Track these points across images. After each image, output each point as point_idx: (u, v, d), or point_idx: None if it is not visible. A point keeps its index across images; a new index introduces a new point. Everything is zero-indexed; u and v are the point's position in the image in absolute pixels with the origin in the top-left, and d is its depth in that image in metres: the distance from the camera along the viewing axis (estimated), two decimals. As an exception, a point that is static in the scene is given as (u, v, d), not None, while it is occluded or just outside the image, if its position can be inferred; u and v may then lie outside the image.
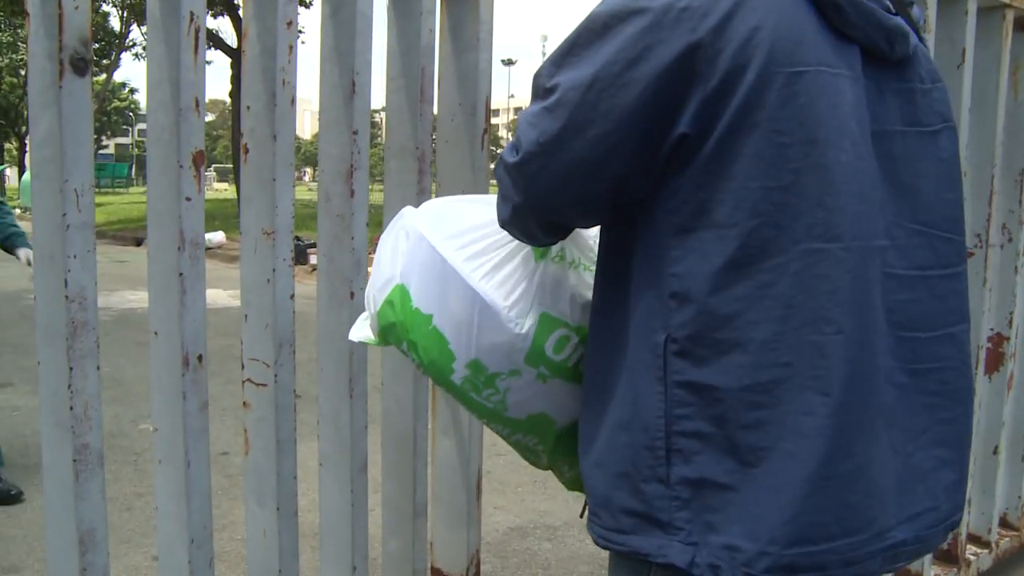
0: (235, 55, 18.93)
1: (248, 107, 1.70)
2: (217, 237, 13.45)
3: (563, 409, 1.28)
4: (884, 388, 0.95)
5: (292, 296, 1.74)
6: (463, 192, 1.90)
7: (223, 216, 15.95)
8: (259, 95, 1.69)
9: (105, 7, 22.91)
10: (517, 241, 1.26)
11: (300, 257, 10.92)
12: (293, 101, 1.72)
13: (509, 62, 64.51)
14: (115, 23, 27.55)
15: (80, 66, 1.29)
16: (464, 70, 1.90)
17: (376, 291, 1.32)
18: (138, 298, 8.28)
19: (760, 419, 0.91)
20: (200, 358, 1.65)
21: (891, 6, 1.01)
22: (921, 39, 1.10)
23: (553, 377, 1.25)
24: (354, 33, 1.74)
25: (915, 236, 1.00)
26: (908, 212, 1.00)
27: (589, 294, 1.27)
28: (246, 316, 1.73)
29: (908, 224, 1.00)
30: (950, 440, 1.05)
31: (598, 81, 0.93)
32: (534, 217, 1.09)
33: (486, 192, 1.93)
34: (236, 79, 18.80)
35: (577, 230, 1.36)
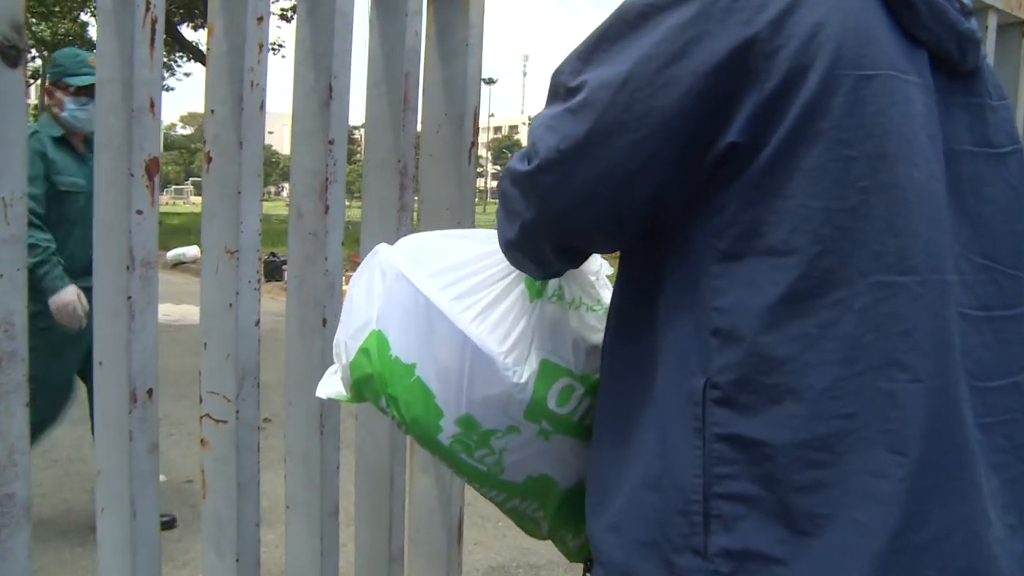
0: (210, 61, 18.73)
1: (212, 111, 1.53)
2: (192, 251, 13.23)
3: (567, 469, 1.12)
4: (967, 446, 0.81)
5: (257, 323, 1.56)
6: (447, 211, 1.73)
7: (195, 230, 15.80)
8: (224, 98, 1.52)
9: (84, 16, 22.65)
10: (509, 278, 1.11)
11: (275, 274, 10.81)
12: (262, 106, 1.55)
13: (490, 81, 64.75)
14: (93, 33, 27.26)
15: (11, 55, 1.12)
16: (451, 78, 1.74)
17: (348, 338, 1.16)
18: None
19: (818, 480, 0.77)
20: (150, 393, 1.47)
21: (966, 7, 0.90)
22: (981, 48, 0.98)
23: (556, 433, 1.09)
24: (332, 32, 1.57)
25: (982, 271, 0.88)
26: (975, 244, 0.88)
27: (593, 337, 1.12)
28: (205, 344, 1.55)
29: (975, 257, 0.88)
30: (1017, 504, 0.90)
31: (633, 79, 0.80)
32: (548, 238, 0.93)
33: (472, 211, 1.77)
34: (212, 87, 18.59)
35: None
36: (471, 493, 1.34)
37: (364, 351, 1.12)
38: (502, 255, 1.12)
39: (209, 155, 1.53)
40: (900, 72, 0.81)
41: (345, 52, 1.60)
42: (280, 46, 20.75)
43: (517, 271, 1.12)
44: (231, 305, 1.52)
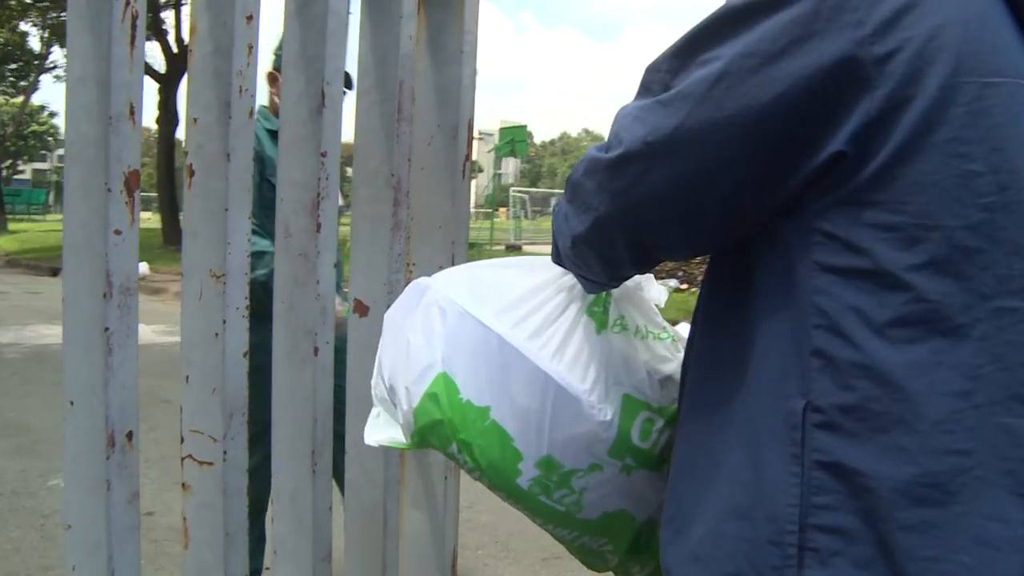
0: (162, 80, 17.87)
1: (195, 119, 1.37)
2: (140, 268, 12.69)
3: (645, 504, 1.09)
4: None
5: (246, 354, 1.41)
6: (440, 228, 1.62)
7: (145, 246, 15.06)
8: (209, 105, 1.37)
9: (24, 26, 21.18)
10: (572, 310, 1.06)
11: None
12: (252, 113, 1.40)
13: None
14: (35, 43, 25.99)
15: None
16: (444, 86, 1.63)
17: (411, 383, 1.07)
18: (54, 333, 7.36)
19: (927, 520, 0.71)
20: (130, 436, 1.30)
21: None
22: None
23: (639, 468, 1.05)
24: (325, 34, 1.44)
25: None
26: None
27: (666, 367, 1.08)
28: (187, 377, 1.39)
29: None
30: None
31: (728, 76, 0.75)
32: (623, 233, 0.87)
33: (467, 228, 1.67)
34: (164, 105, 17.73)
35: (637, 292, 1.14)
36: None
37: (431, 396, 1.04)
38: (557, 285, 1.08)
39: (192, 168, 1.37)
40: None
41: (339, 56, 1.47)
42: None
43: (578, 303, 1.07)
44: (217, 335, 1.37)
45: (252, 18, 1.37)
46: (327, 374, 1.49)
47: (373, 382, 1.17)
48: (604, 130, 1.60)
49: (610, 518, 1.08)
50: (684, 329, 1.25)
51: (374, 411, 1.18)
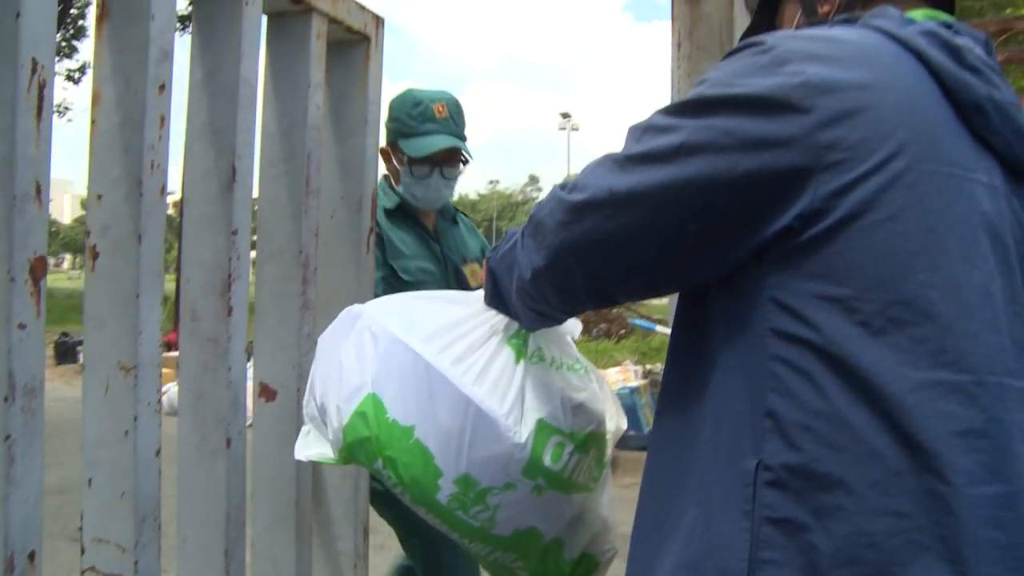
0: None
1: (99, 196, 1.25)
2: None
3: (553, 521, 1.20)
4: None
5: (158, 452, 1.29)
6: (345, 303, 1.58)
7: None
8: (117, 181, 1.25)
9: None
10: (495, 340, 1.18)
11: (67, 356, 10.26)
12: (164, 190, 1.29)
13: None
14: None
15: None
16: (347, 157, 1.60)
17: (341, 401, 1.16)
18: None
19: None
20: (32, 556, 1.15)
21: None
22: None
23: (549, 489, 1.16)
24: (236, 105, 1.36)
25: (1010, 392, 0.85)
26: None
27: (578, 396, 1.21)
28: (90, 480, 1.25)
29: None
30: None
31: (686, 149, 0.83)
32: (581, 268, 0.94)
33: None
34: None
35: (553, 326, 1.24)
36: None
37: (360, 414, 1.13)
38: (481, 318, 1.20)
39: (96, 250, 1.24)
40: (965, 171, 0.83)
41: (249, 128, 1.40)
42: (67, 108, 19.60)
43: (500, 334, 1.18)
44: (127, 433, 1.24)
45: (165, 87, 1.27)
46: (239, 467, 1.39)
47: (305, 400, 1.26)
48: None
49: (521, 535, 1.18)
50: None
51: (304, 428, 1.27)
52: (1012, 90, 0.92)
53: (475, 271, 2.15)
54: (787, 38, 0.86)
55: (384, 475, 1.14)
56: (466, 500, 1.13)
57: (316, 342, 1.54)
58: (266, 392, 1.49)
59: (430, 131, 2.03)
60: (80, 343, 9.72)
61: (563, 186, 0.95)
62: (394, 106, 2.12)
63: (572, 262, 0.93)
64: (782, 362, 0.80)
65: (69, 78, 19.56)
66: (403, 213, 2.12)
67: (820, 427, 0.78)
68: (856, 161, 0.79)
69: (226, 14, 1.36)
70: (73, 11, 18.41)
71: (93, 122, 1.25)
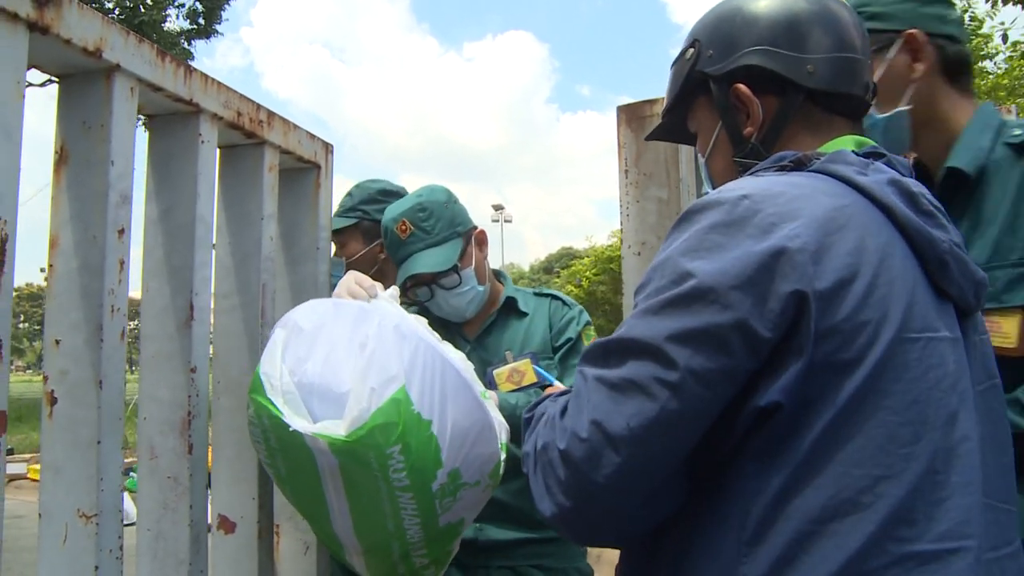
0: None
1: (57, 341, 1.24)
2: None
3: (475, 512, 1.43)
4: None
5: (120, 600, 1.26)
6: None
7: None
8: (77, 326, 1.24)
9: None
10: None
11: None
12: (124, 334, 1.29)
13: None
14: None
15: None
16: (300, 284, 1.62)
17: (378, 385, 1.26)
18: None
19: None
20: None
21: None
22: None
23: (492, 488, 1.41)
24: (192, 243, 1.38)
25: (987, 511, 0.89)
26: (985, 486, 0.89)
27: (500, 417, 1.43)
28: (48, 639, 1.21)
29: (986, 500, 0.89)
30: None
31: (687, 380, 0.84)
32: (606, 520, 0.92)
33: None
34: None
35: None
36: None
37: (395, 401, 1.25)
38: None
39: (53, 395, 1.23)
40: (934, 332, 0.86)
41: (206, 264, 1.41)
42: None
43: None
44: (87, 584, 1.21)
45: (124, 232, 1.28)
46: (202, 607, 1.36)
47: (276, 373, 1.30)
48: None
49: (451, 527, 1.37)
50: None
51: (278, 400, 1.29)
52: (956, 228, 0.98)
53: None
54: (760, 200, 0.87)
55: (393, 460, 1.24)
56: (447, 490, 1.30)
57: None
58: (225, 524, 1.47)
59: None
60: (10, 450, 9.20)
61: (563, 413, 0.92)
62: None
63: (596, 516, 0.91)
64: (763, 523, 0.83)
65: None
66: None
67: None
68: (844, 328, 0.82)
69: (182, 151, 1.39)
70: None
71: (51, 266, 1.25)
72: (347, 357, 1.29)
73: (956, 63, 1.43)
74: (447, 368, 1.32)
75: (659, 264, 0.90)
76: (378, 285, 1.51)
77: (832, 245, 0.84)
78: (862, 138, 1.05)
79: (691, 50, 1.15)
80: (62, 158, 1.26)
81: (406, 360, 1.29)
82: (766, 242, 0.83)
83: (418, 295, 2.00)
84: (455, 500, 1.32)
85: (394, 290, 1.51)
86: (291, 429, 1.26)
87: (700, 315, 0.83)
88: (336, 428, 1.24)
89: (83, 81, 1.24)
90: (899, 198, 0.91)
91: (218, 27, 19.62)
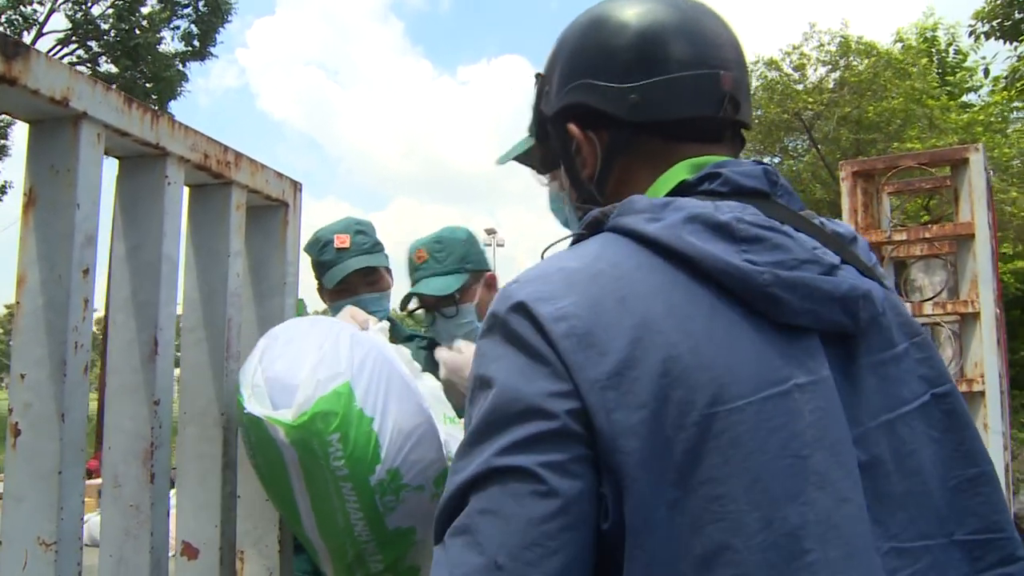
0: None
1: (22, 375, 1.30)
2: None
3: (429, 526, 1.38)
4: None
5: (78, 625, 1.31)
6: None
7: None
8: (40, 361, 1.30)
9: None
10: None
11: None
12: (87, 369, 1.35)
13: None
14: None
15: None
16: (267, 317, 1.68)
17: (323, 377, 1.39)
18: None
19: None
20: None
21: (835, 262, 0.82)
22: (881, 282, 0.87)
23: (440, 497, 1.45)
24: (158, 280, 1.44)
25: (922, 556, 0.78)
26: (910, 529, 0.78)
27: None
28: (8, 663, 1.26)
29: (911, 543, 0.77)
30: None
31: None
32: None
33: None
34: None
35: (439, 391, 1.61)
36: None
37: (337, 393, 1.38)
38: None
39: (17, 427, 1.29)
40: (775, 386, 0.74)
41: (171, 300, 1.47)
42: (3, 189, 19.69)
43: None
44: (47, 609, 1.27)
45: (88, 271, 1.34)
46: (162, 633, 1.42)
47: (250, 369, 1.47)
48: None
49: (399, 533, 1.44)
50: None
51: (244, 392, 1.45)
52: (804, 243, 0.81)
53: None
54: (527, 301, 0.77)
55: (332, 447, 1.36)
56: (386, 488, 1.39)
57: (238, 500, 1.59)
58: (188, 550, 1.52)
59: (339, 259, 2.21)
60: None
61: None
62: (306, 251, 2.28)
63: None
64: None
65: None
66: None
67: None
68: (639, 420, 0.71)
69: (149, 192, 1.45)
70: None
71: (17, 303, 1.32)
72: (306, 356, 1.44)
73: None
74: (394, 374, 1.45)
75: None
76: (371, 319, 1.70)
77: (607, 326, 0.74)
78: (701, 159, 0.91)
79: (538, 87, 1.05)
80: (31, 200, 1.32)
81: (356, 361, 1.42)
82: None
83: (422, 318, 2.22)
84: (398, 500, 1.41)
85: (384, 324, 1.67)
86: (246, 411, 1.43)
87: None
88: (285, 414, 1.39)
89: (51, 127, 1.31)
90: (701, 236, 0.78)
91: (213, 49, 19.85)
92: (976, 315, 3.68)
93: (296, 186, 1.76)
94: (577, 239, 0.90)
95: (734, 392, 0.72)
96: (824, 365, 0.78)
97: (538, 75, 1.05)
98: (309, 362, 1.42)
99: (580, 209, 0.99)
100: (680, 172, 0.90)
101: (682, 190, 0.88)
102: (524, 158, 1.17)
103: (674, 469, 0.70)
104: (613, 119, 0.94)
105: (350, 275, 2.19)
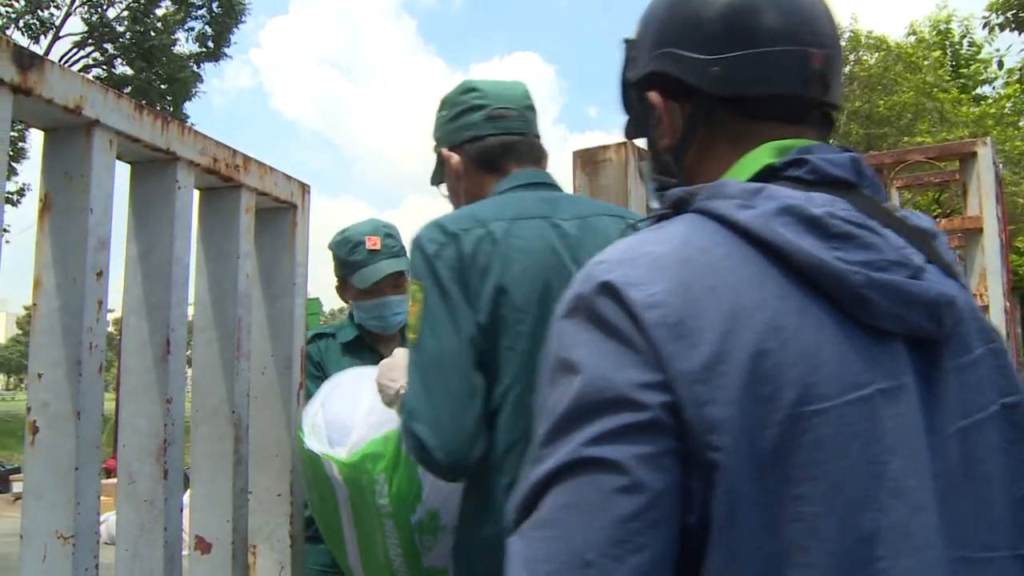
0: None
1: (40, 375, 1.34)
2: None
3: None
4: None
5: (96, 617, 1.35)
6: (276, 456, 1.68)
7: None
8: (57, 362, 1.34)
9: None
10: None
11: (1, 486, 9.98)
12: (102, 368, 1.39)
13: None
14: None
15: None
16: (276, 318, 1.72)
17: (373, 424, 1.53)
18: None
19: None
20: None
21: (921, 263, 0.79)
22: (958, 279, 0.84)
23: None
24: (169, 283, 1.48)
25: (987, 567, 0.77)
26: (976, 539, 0.77)
27: None
28: (28, 652, 1.30)
29: (978, 553, 0.76)
30: None
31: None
32: None
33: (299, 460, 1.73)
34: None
35: None
36: None
37: (386, 438, 1.50)
38: None
39: (35, 425, 1.33)
40: (858, 390, 0.72)
41: (182, 302, 1.51)
42: (5, 230, 19.35)
43: None
44: (65, 601, 1.31)
45: (102, 274, 1.38)
46: (176, 625, 1.46)
47: (312, 411, 1.63)
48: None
49: (434, 572, 1.51)
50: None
51: (307, 429, 1.60)
52: (893, 242, 0.79)
53: None
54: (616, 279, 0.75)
55: (379, 486, 1.48)
56: (425, 527, 1.49)
57: (249, 496, 1.63)
58: (202, 545, 1.56)
59: (371, 261, 2.24)
60: (15, 471, 9.46)
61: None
62: (333, 250, 2.33)
63: None
64: None
65: (8, 200, 19.83)
66: (360, 344, 2.31)
67: None
68: (732, 415, 0.70)
69: (160, 196, 1.49)
70: (13, 134, 18.70)
71: (34, 305, 1.36)
72: (361, 402, 1.58)
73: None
74: None
75: None
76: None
77: (697, 316, 0.72)
78: (786, 142, 0.87)
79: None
80: (46, 206, 1.36)
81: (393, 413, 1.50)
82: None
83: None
84: (435, 540, 1.50)
85: None
86: (306, 447, 1.57)
87: None
88: (340, 452, 1.53)
89: (65, 135, 1.35)
90: (793, 229, 0.76)
91: (227, 49, 19.97)
92: (985, 308, 3.68)
93: (304, 188, 1.80)
94: (660, 218, 0.87)
95: (819, 393, 0.71)
96: (906, 371, 0.76)
97: (626, 40, 1.01)
98: (364, 408, 1.56)
99: (657, 180, 0.98)
100: (764, 155, 0.86)
101: (767, 175, 0.85)
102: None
103: (759, 466, 0.70)
104: (695, 91, 0.91)
105: (384, 278, 2.24)
